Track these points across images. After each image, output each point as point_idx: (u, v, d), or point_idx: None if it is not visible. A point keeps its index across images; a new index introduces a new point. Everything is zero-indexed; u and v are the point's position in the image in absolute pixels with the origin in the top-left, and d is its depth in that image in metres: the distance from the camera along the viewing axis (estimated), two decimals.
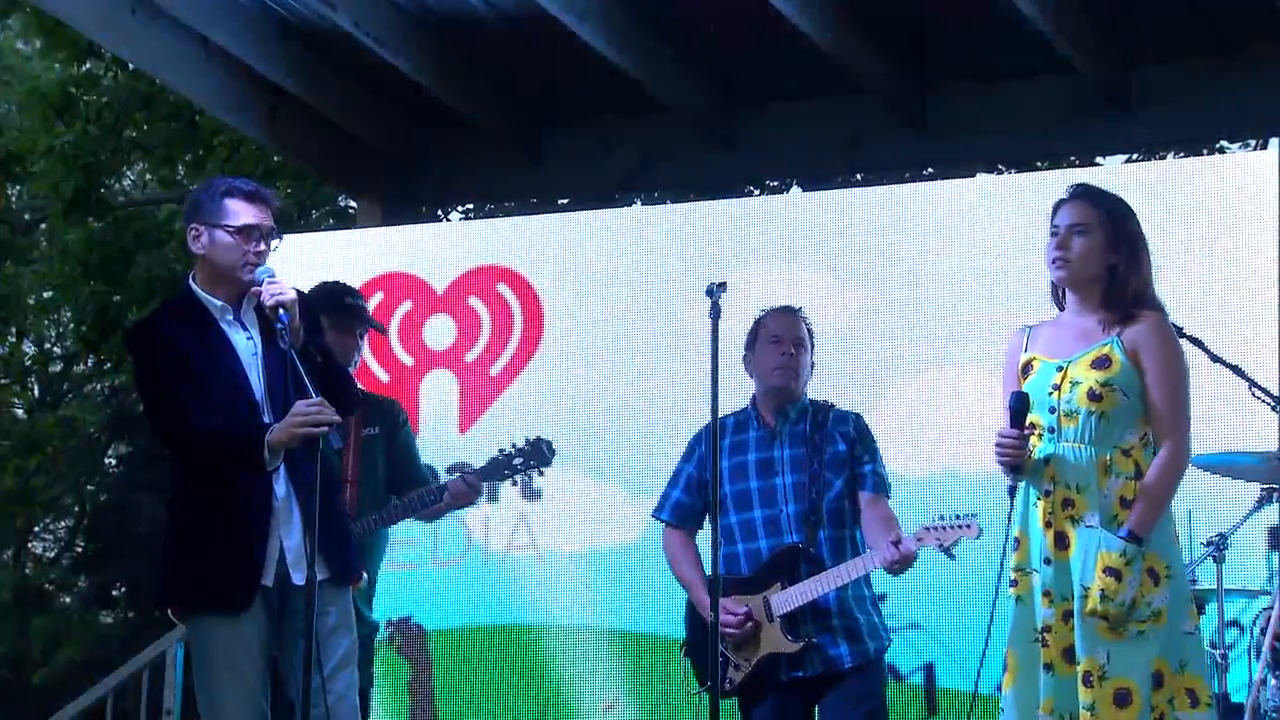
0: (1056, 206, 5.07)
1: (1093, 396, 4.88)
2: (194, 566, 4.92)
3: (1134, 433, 4.90)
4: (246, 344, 4.94)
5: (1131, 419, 4.90)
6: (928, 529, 5.69)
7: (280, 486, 4.89)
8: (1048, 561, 4.87)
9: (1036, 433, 4.93)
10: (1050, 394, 4.93)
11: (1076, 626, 4.80)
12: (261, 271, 4.91)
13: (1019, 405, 4.90)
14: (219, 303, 4.97)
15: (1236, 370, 5.94)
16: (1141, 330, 4.92)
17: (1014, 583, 4.93)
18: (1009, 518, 4.93)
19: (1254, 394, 5.95)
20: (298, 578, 4.88)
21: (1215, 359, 5.91)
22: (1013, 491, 4.91)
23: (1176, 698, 4.77)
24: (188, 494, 4.97)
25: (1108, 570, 4.75)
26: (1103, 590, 4.74)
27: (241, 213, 4.96)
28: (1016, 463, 4.88)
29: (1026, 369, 5.02)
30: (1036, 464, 4.90)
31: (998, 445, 4.90)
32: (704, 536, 5.93)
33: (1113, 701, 4.73)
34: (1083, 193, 5.07)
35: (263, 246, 4.96)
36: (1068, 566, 4.84)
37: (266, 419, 4.87)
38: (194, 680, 4.96)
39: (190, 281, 5.04)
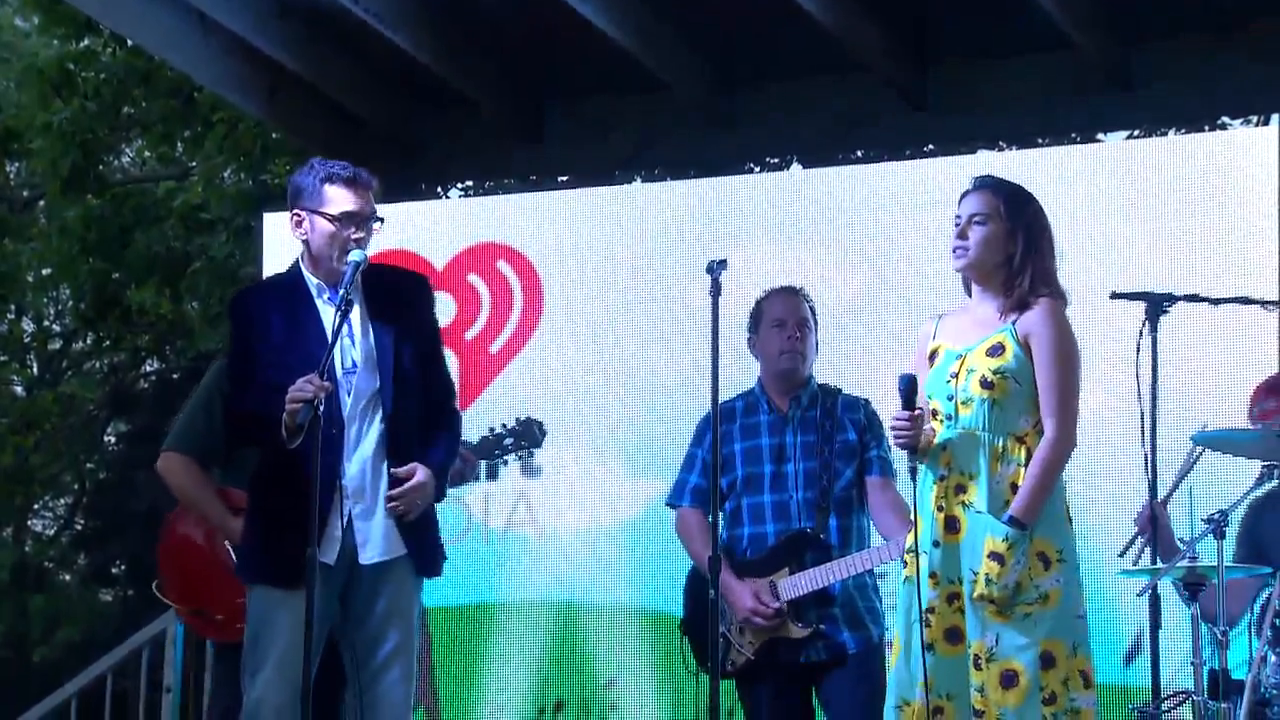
0: (960, 198, 5.16)
1: (985, 384, 4.98)
2: (253, 539, 5.04)
3: (1028, 419, 5.00)
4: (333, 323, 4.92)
5: (1025, 406, 5.00)
6: None
7: (353, 465, 4.91)
8: (936, 544, 4.98)
9: (938, 418, 5.04)
10: (949, 381, 5.04)
11: (967, 610, 4.90)
12: (353, 256, 4.93)
13: (907, 388, 5.02)
14: (316, 281, 5.04)
15: (1242, 300, 5.99)
16: (1032, 317, 5.02)
17: (904, 564, 5.04)
18: (913, 500, 5.04)
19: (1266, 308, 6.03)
20: (364, 557, 4.92)
21: (1217, 301, 5.95)
22: (914, 474, 5.02)
23: (1071, 679, 4.87)
24: (259, 469, 5.06)
25: (992, 555, 4.87)
26: (987, 575, 4.86)
27: (341, 200, 5.01)
28: (913, 445, 4.99)
29: (933, 357, 5.13)
30: (935, 449, 5.02)
31: (891, 428, 5.04)
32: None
33: (999, 682, 4.84)
34: (985, 183, 5.19)
35: (361, 233, 5.00)
36: (957, 550, 4.95)
37: (343, 395, 4.92)
38: (244, 650, 5.03)
39: (299, 260, 5.11)
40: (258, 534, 5.03)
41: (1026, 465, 4.96)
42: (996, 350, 5.01)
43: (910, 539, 5.03)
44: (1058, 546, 4.95)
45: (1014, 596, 4.85)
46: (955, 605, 4.93)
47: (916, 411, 5.00)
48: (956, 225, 5.11)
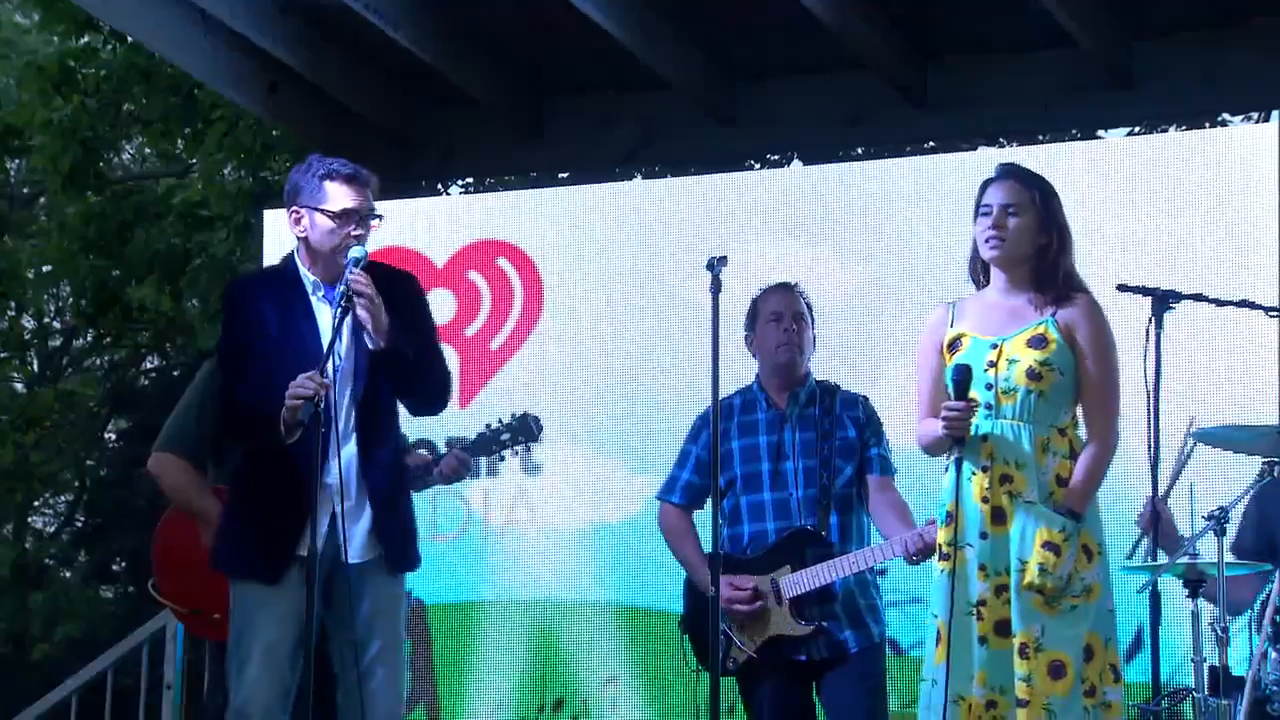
0: (985, 185, 5.12)
1: (1031, 375, 4.96)
2: (236, 536, 5.02)
3: (1068, 412, 5.02)
4: (333, 321, 4.91)
5: (1066, 399, 5.01)
6: None
7: (336, 463, 4.90)
8: (984, 536, 4.95)
9: (973, 408, 4.99)
10: (986, 370, 5.00)
11: (1013, 600, 4.88)
12: (354, 252, 4.91)
13: (962, 377, 4.97)
14: (313, 279, 5.03)
15: (1245, 304, 5.99)
16: (1076, 311, 5.02)
17: (945, 556, 4.98)
18: (954, 492, 4.98)
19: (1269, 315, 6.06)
20: (347, 556, 4.91)
21: (1221, 303, 5.95)
22: (959, 465, 4.96)
23: (1103, 672, 4.91)
24: (242, 465, 5.06)
25: (1047, 545, 4.86)
26: (1042, 564, 4.85)
27: (340, 196, 5.01)
28: (963, 434, 4.94)
29: (955, 344, 5.08)
30: (973, 439, 4.97)
31: (945, 417, 4.95)
32: (702, 516, 5.92)
33: (1047, 673, 4.84)
34: (1014, 172, 5.15)
35: (361, 230, 4.99)
36: (1005, 541, 4.92)
37: (337, 394, 4.89)
38: (228, 646, 5.00)
39: (294, 254, 5.10)
40: (242, 529, 5.01)
41: (1069, 458, 4.96)
42: (1039, 342, 4.99)
43: (945, 533, 4.98)
44: (1098, 540, 4.98)
45: (1065, 588, 4.86)
46: (1003, 597, 4.91)
47: (970, 402, 4.96)
48: (986, 214, 5.06)
